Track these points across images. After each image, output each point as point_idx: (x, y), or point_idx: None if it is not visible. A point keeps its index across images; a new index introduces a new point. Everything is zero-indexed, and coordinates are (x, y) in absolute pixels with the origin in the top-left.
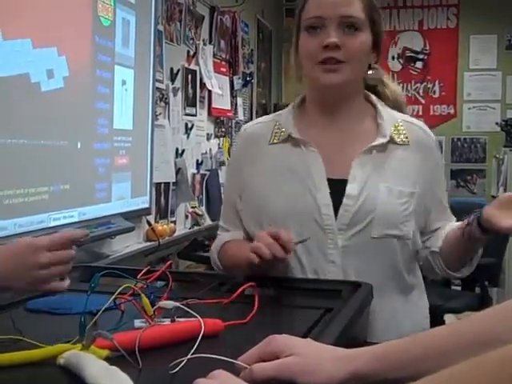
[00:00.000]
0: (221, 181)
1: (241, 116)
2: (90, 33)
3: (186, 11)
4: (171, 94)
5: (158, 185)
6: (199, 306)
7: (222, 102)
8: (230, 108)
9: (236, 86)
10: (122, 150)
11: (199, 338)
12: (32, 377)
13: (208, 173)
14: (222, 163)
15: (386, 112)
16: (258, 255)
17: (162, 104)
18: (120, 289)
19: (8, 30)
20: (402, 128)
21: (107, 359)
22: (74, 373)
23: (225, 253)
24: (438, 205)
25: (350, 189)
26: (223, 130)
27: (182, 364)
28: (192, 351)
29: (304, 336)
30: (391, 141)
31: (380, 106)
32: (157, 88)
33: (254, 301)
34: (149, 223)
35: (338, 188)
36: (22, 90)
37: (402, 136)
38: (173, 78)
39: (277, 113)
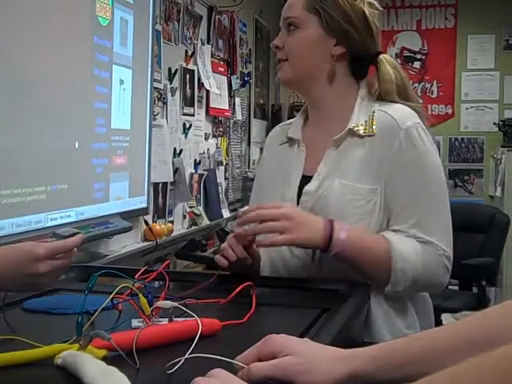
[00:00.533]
0: (218, 180)
1: (239, 116)
2: (88, 32)
3: (184, 11)
4: (169, 94)
5: (155, 184)
6: (197, 305)
7: (219, 101)
8: (227, 108)
9: (234, 86)
10: (120, 150)
11: (196, 337)
12: (29, 377)
13: (206, 173)
14: (219, 163)
15: (363, 104)
16: (225, 257)
17: (160, 104)
18: (117, 288)
19: (5, 29)
20: (374, 118)
21: (105, 359)
22: (71, 373)
23: None
24: (398, 204)
25: (310, 185)
26: (221, 129)
27: (180, 364)
28: (189, 351)
29: (301, 336)
30: (352, 133)
31: (360, 98)
32: (155, 88)
33: (252, 301)
34: (146, 223)
35: (305, 184)
36: (19, 88)
37: (371, 127)
38: (171, 78)
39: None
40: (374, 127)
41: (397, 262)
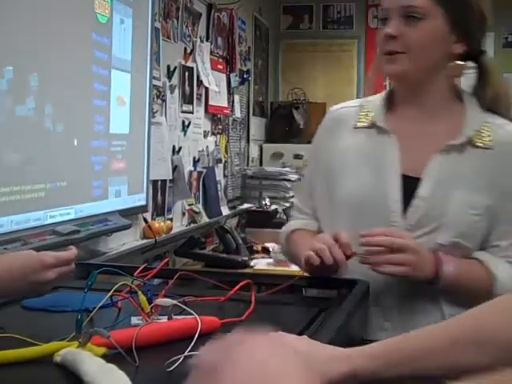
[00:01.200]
0: (217, 178)
1: (238, 113)
2: (86, 30)
3: (183, 8)
4: (168, 92)
5: (154, 182)
6: (196, 303)
7: (218, 99)
8: (226, 105)
9: (233, 84)
10: (119, 147)
11: (196, 335)
12: (28, 375)
13: (205, 170)
14: (218, 160)
15: (474, 110)
16: (318, 257)
17: (159, 101)
18: (116, 286)
19: (3, 25)
20: (487, 130)
21: (104, 357)
22: (70, 370)
23: (290, 242)
24: (505, 223)
25: (423, 189)
26: (220, 127)
27: (179, 362)
28: (189, 349)
29: (300, 333)
30: (471, 142)
31: (469, 102)
32: (154, 85)
33: (251, 298)
34: (145, 220)
35: (409, 185)
36: (18, 86)
37: (485, 139)
38: (170, 76)
39: (365, 98)
40: (488, 139)
41: (497, 291)
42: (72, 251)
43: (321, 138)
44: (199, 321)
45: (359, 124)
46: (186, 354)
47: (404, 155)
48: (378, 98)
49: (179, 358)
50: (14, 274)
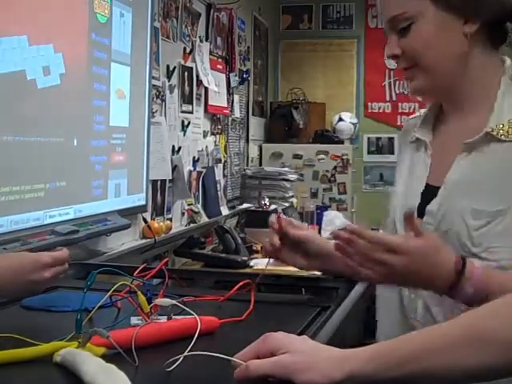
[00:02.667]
0: (217, 178)
1: (237, 113)
2: (86, 30)
3: (183, 8)
4: (167, 91)
5: (154, 182)
6: (195, 303)
7: (218, 99)
8: (226, 105)
9: (232, 84)
10: (119, 147)
11: (195, 335)
12: (28, 375)
13: (204, 170)
14: (218, 160)
15: (509, 91)
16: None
17: (159, 101)
18: (115, 286)
19: (4, 27)
20: None
21: (103, 357)
22: (70, 370)
23: None
24: None
25: (434, 202)
26: (219, 127)
27: (178, 362)
28: (188, 349)
29: (300, 334)
30: (493, 137)
31: (505, 80)
32: (153, 85)
33: (250, 298)
34: (145, 220)
35: (428, 197)
36: (17, 87)
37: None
38: (169, 75)
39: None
40: None
41: None
42: (64, 251)
43: (397, 149)
44: (199, 321)
45: (412, 138)
46: (185, 354)
47: (435, 164)
48: (431, 106)
49: (179, 358)
50: (12, 273)
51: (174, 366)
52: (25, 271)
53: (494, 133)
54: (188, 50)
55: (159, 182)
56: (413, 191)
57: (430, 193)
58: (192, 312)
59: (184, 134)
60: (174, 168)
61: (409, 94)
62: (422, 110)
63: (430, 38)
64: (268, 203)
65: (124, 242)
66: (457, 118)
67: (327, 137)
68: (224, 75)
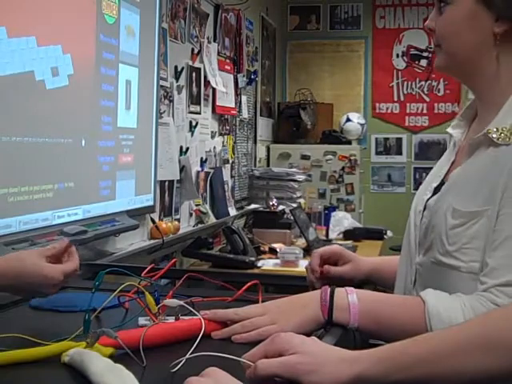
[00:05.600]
0: (225, 179)
1: (245, 114)
2: (94, 31)
3: (191, 9)
4: (175, 92)
5: (162, 183)
6: (203, 304)
7: (226, 99)
8: (234, 106)
9: (240, 84)
10: (127, 148)
11: (199, 336)
12: (36, 375)
13: (212, 171)
14: (226, 161)
15: None
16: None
17: (167, 102)
18: (122, 286)
19: (12, 28)
20: None
21: (111, 357)
22: (78, 371)
23: None
24: (495, 232)
25: (434, 197)
26: (227, 127)
27: (183, 362)
28: (191, 350)
29: (308, 335)
30: (488, 138)
31: None
32: (161, 86)
33: (258, 299)
34: (153, 221)
35: (436, 192)
36: (26, 87)
37: (507, 132)
38: (177, 76)
39: None
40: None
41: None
42: (74, 262)
43: None
44: (203, 322)
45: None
46: (187, 356)
47: (458, 158)
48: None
49: (183, 360)
50: (20, 286)
51: (178, 366)
52: (34, 286)
53: (493, 135)
54: (196, 51)
55: (167, 183)
56: (430, 186)
57: (439, 189)
58: (197, 313)
59: (192, 135)
60: (182, 168)
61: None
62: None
63: (457, 25)
64: (276, 204)
65: (132, 242)
66: (485, 119)
67: (335, 137)
68: (232, 76)
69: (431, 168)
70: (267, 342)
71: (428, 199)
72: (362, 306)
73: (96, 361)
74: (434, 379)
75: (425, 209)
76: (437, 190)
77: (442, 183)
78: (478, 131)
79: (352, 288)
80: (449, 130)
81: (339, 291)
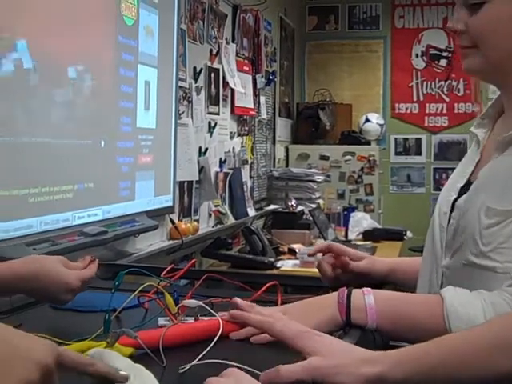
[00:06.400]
0: (244, 179)
1: (264, 114)
2: (113, 32)
3: (209, 10)
4: (194, 93)
5: (181, 183)
6: (222, 304)
7: (245, 100)
8: (253, 106)
9: (259, 85)
10: (146, 149)
11: (216, 337)
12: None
13: (231, 171)
14: (244, 161)
15: None
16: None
17: (185, 103)
18: (142, 286)
19: (31, 28)
20: None
21: (131, 357)
22: None
23: None
24: None
25: (463, 197)
26: (246, 128)
27: (188, 366)
28: (206, 350)
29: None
30: None
31: None
32: (180, 87)
33: (277, 299)
34: (172, 221)
35: (463, 192)
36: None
37: None
38: (196, 77)
39: None
40: None
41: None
42: (93, 269)
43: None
44: (221, 322)
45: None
46: (198, 359)
47: (483, 158)
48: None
49: (199, 361)
50: (37, 288)
51: (187, 367)
52: (51, 291)
53: None
54: (214, 52)
55: (186, 184)
56: (454, 186)
57: (466, 188)
58: (215, 314)
59: (211, 136)
60: (201, 169)
61: (463, 68)
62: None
63: (499, 23)
64: (295, 204)
65: (151, 243)
66: (510, 114)
67: (354, 138)
68: (250, 76)
69: (451, 168)
70: (287, 342)
71: (454, 200)
72: (380, 306)
73: (116, 361)
74: (455, 382)
75: (452, 210)
76: (463, 190)
77: (468, 183)
78: (505, 130)
79: (369, 288)
80: (472, 129)
81: (356, 292)
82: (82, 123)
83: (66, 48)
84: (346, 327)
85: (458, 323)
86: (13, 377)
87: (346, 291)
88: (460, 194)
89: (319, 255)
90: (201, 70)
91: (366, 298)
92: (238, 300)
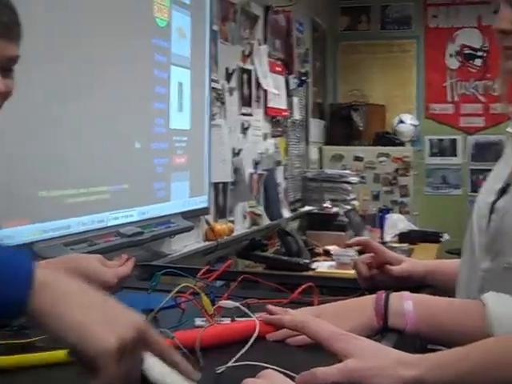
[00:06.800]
0: (278, 180)
1: (297, 115)
2: (146, 33)
3: (241, 11)
4: (227, 94)
5: (215, 184)
6: (258, 305)
7: (277, 101)
8: (285, 107)
9: (291, 86)
10: (180, 150)
11: (252, 338)
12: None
13: (265, 172)
14: (278, 163)
15: None
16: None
17: (218, 104)
18: (179, 287)
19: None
20: None
21: None
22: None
23: None
24: None
25: (502, 199)
26: (279, 129)
27: (230, 364)
28: (242, 351)
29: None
30: None
31: None
32: (213, 88)
33: (313, 300)
34: (207, 223)
35: (502, 194)
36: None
37: None
38: (228, 78)
39: None
40: None
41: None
42: (129, 266)
43: None
44: (257, 323)
45: None
46: (236, 358)
47: None
48: None
49: (237, 361)
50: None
51: (224, 368)
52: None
53: None
54: (246, 53)
55: (221, 185)
56: (492, 188)
57: (504, 190)
58: (251, 314)
59: (244, 137)
60: (235, 170)
61: (503, 68)
62: None
63: None
64: (330, 206)
65: (187, 244)
66: None
67: (388, 139)
68: (283, 77)
69: (488, 170)
70: (322, 344)
71: (494, 202)
72: (418, 311)
73: (153, 362)
74: None
75: (491, 212)
76: (502, 192)
77: (506, 184)
78: None
79: (407, 292)
80: (509, 129)
81: (394, 296)
82: (118, 125)
83: (99, 50)
84: (383, 332)
85: (501, 330)
86: (114, 333)
87: (383, 295)
88: (499, 196)
89: (354, 253)
90: (233, 71)
91: (405, 303)
92: (271, 307)
